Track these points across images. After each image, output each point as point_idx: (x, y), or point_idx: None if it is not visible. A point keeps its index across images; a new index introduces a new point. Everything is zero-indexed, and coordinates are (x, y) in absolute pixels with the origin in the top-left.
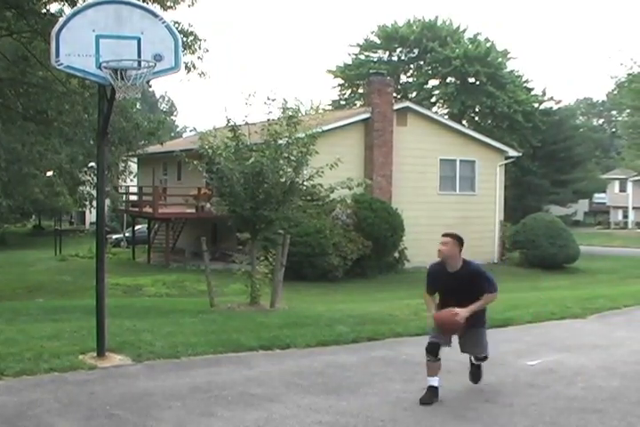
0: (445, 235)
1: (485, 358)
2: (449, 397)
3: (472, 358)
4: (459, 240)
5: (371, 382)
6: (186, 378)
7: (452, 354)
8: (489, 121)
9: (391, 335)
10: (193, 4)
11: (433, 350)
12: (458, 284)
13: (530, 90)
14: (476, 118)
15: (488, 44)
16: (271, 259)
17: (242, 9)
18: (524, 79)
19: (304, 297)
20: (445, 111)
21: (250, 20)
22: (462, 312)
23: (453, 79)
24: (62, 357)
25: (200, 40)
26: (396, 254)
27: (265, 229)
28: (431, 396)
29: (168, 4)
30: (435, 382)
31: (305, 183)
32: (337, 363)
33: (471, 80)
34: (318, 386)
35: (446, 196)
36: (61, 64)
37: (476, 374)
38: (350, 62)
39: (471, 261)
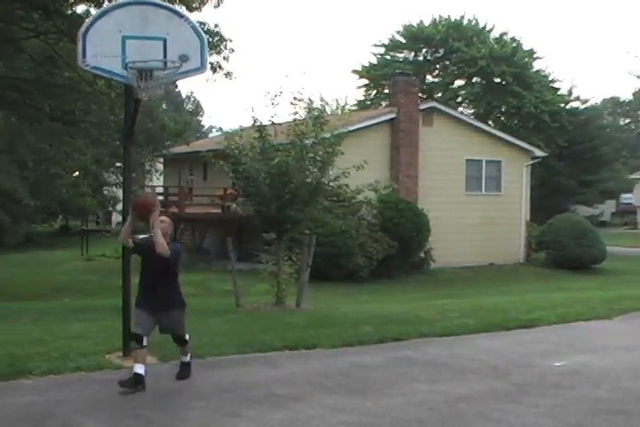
0: (165, 215)
1: (185, 340)
2: (474, 397)
3: (181, 359)
4: (172, 221)
5: (396, 383)
6: (211, 378)
7: (478, 354)
8: (515, 121)
9: (416, 336)
10: (219, 4)
11: (138, 340)
12: (158, 258)
13: (556, 90)
14: (502, 118)
15: (514, 44)
16: (297, 259)
17: (268, 9)
18: (550, 79)
19: (329, 297)
20: (471, 111)
21: (276, 20)
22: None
23: (479, 79)
24: (89, 356)
25: (226, 40)
26: (422, 255)
27: (291, 229)
28: (134, 382)
29: (194, 5)
30: (140, 369)
31: (331, 184)
32: (362, 363)
33: (497, 80)
34: (343, 386)
35: (472, 196)
36: (88, 65)
37: (183, 369)
38: (376, 62)
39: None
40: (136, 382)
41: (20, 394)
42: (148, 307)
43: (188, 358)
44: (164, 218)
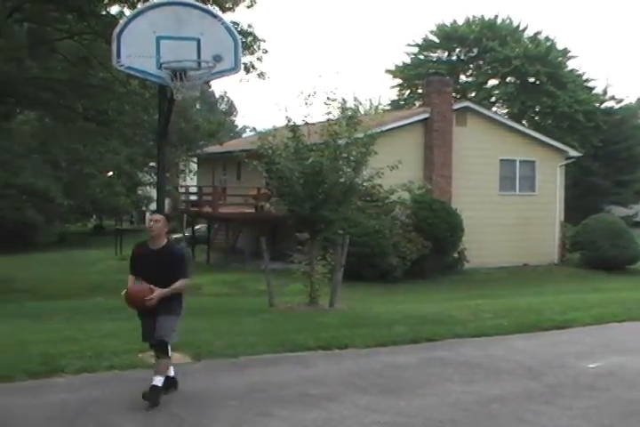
0: (155, 212)
1: (165, 347)
2: (508, 398)
3: (152, 379)
4: (168, 219)
5: (429, 383)
6: (244, 377)
7: (511, 355)
8: (549, 121)
9: (450, 336)
10: (252, 4)
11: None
12: (156, 261)
13: (591, 89)
14: (536, 118)
15: (548, 43)
16: (330, 259)
17: (301, 9)
18: (584, 78)
19: (363, 297)
20: (505, 111)
21: (309, 20)
22: (158, 292)
23: (513, 79)
24: (122, 355)
25: (259, 41)
26: (456, 255)
27: (324, 229)
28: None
29: (227, 5)
30: (170, 372)
31: (364, 184)
32: (395, 363)
33: (531, 80)
34: (377, 386)
35: (506, 196)
36: (122, 65)
37: (151, 392)
38: (409, 62)
39: (175, 244)
40: (170, 384)
41: (53, 392)
42: (147, 314)
43: (159, 381)
44: (157, 217)
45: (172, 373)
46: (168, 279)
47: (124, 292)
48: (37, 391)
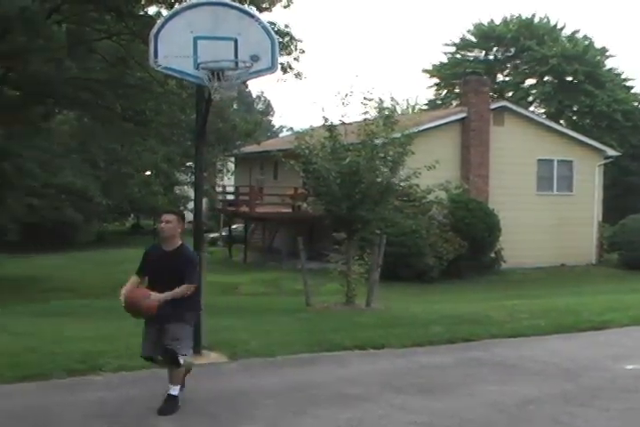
0: (167, 211)
1: (175, 359)
2: (544, 399)
3: (168, 389)
4: (182, 218)
5: (465, 384)
6: (280, 377)
7: (547, 356)
8: (587, 120)
9: (486, 337)
10: (288, 4)
11: (149, 360)
12: (167, 264)
13: (629, 88)
14: (574, 118)
15: (586, 42)
16: (367, 259)
17: (337, 8)
18: (623, 77)
19: (399, 297)
20: (543, 111)
21: (345, 20)
22: (156, 296)
23: (551, 78)
24: None
25: (296, 41)
26: (493, 255)
27: (361, 228)
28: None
29: (264, 5)
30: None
31: (401, 183)
32: (432, 363)
33: (569, 79)
34: (413, 386)
35: (543, 196)
36: (160, 65)
37: (167, 403)
38: (446, 61)
39: (188, 246)
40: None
41: (91, 390)
42: (154, 322)
43: (175, 391)
44: (168, 217)
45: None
46: (177, 284)
47: (122, 297)
48: (75, 389)
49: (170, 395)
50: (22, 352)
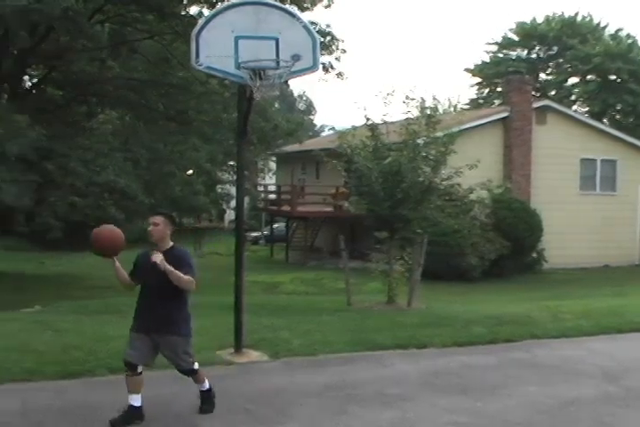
0: (155, 213)
1: (192, 371)
2: (586, 401)
3: (198, 387)
4: (170, 219)
5: (506, 384)
6: (321, 376)
7: (589, 357)
8: (631, 119)
9: (528, 337)
10: (330, 4)
11: (130, 367)
12: (157, 267)
13: None
14: (618, 117)
15: (630, 41)
16: (408, 258)
17: (379, 7)
18: None
19: (441, 297)
20: (586, 110)
21: (387, 19)
22: (158, 258)
23: (594, 77)
24: (201, 352)
25: (337, 40)
26: (535, 255)
27: (403, 228)
28: (127, 417)
29: (305, 5)
30: (135, 400)
31: (443, 183)
32: (473, 364)
33: (612, 77)
34: (454, 387)
35: (586, 196)
36: (202, 65)
37: (204, 401)
38: (488, 60)
39: (179, 246)
40: (130, 416)
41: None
42: (143, 329)
43: (206, 385)
44: (156, 219)
45: (138, 402)
46: (169, 288)
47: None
48: (117, 387)
49: (203, 391)
50: (65, 350)
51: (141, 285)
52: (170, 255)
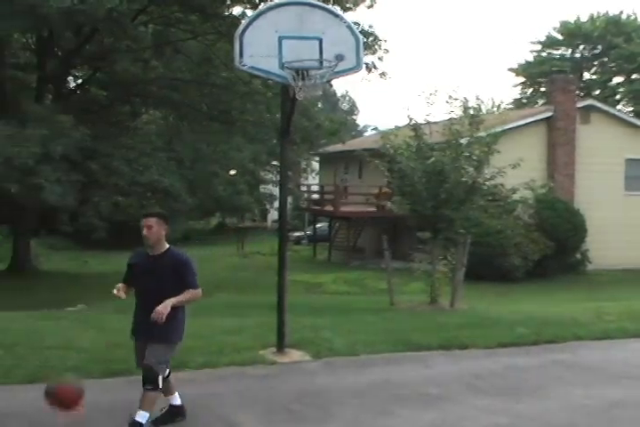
0: (147, 215)
1: (152, 373)
2: (630, 403)
3: (135, 414)
4: (165, 219)
5: (550, 386)
6: (363, 376)
7: (633, 359)
8: None
9: (572, 338)
10: (372, 4)
11: None
12: (153, 270)
13: None
14: None
15: None
16: (451, 258)
17: (422, 6)
18: None
19: (484, 297)
20: (630, 109)
21: (431, 18)
22: (162, 308)
23: (639, 76)
24: (243, 351)
25: (380, 41)
26: (578, 255)
27: (446, 228)
28: (168, 417)
29: (347, 5)
30: (173, 400)
31: (486, 183)
32: (516, 365)
33: None
34: (496, 388)
35: (632, 196)
36: (245, 65)
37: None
38: (532, 60)
39: (176, 249)
40: (171, 415)
41: (176, 386)
42: (140, 335)
43: (144, 417)
44: (149, 222)
45: (178, 401)
46: (167, 291)
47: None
48: None
49: (134, 421)
50: (109, 348)
51: (137, 289)
52: (167, 259)
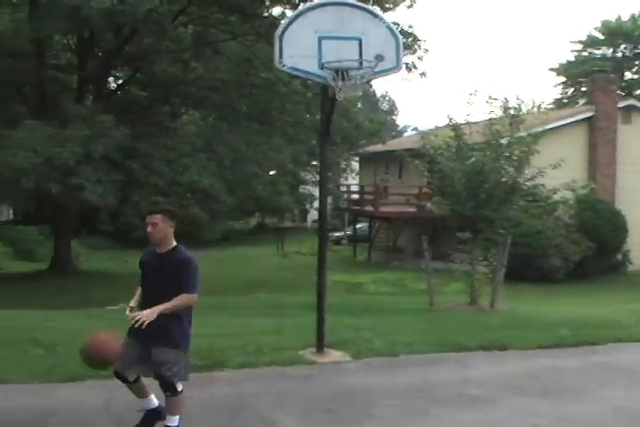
0: (152, 211)
1: (173, 387)
2: None
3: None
4: (170, 215)
5: (590, 388)
6: (403, 377)
7: None
8: None
9: (613, 340)
10: (412, 4)
11: (119, 378)
12: (160, 269)
13: None
14: None
15: None
16: (491, 259)
17: (462, 6)
18: None
19: (524, 298)
20: None
21: (471, 18)
22: (148, 313)
23: None
24: (282, 351)
25: (420, 41)
26: (619, 256)
27: (486, 228)
28: (146, 422)
29: (387, 5)
30: (146, 402)
31: (527, 183)
32: (557, 367)
33: None
34: (537, 389)
35: None
36: (285, 65)
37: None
38: (573, 59)
39: (184, 248)
40: (149, 419)
41: (215, 386)
42: (138, 335)
43: (175, 421)
44: (153, 219)
45: (153, 404)
46: (172, 292)
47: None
48: (198, 385)
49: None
50: None
51: (144, 288)
52: (172, 258)
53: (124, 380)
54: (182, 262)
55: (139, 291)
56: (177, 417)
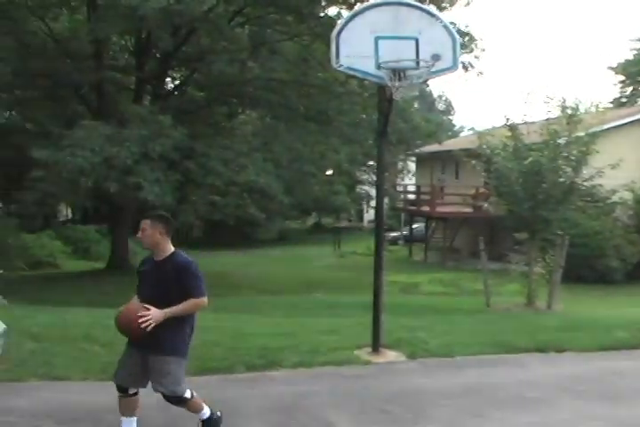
0: (144, 216)
1: (177, 399)
2: None
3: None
4: (160, 221)
5: None
6: (459, 378)
7: None
8: None
9: None
10: (469, 3)
11: (120, 389)
12: (156, 277)
13: None
14: None
15: None
16: (548, 260)
17: (519, 5)
18: None
19: (581, 299)
20: None
21: (528, 16)
22: (156, 313)
23: None
24: (338, 351)
25: (476, 40)
26: None
27: (543, 229)
28: None
29: (443, 4)
30: (127, 423)
31: (585, 183)
32: (615, 369)
33: None
34: (594, 392)
35: None
36: (342, 65)
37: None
38: (632, 58)
39: (181, 253)
40: None
41: (270, 385)
42: (137, 346)
43: (206, 413)
44: (144, 224)
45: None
46: (173, 302)
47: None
48: (253, 384)
49: (203, 421)
50: (205, 346)
51: (141, 299)
52: (171, 264)
53: (122, 391)
54: (181, 267)
55: (134, 299)
56: (203, 412)
